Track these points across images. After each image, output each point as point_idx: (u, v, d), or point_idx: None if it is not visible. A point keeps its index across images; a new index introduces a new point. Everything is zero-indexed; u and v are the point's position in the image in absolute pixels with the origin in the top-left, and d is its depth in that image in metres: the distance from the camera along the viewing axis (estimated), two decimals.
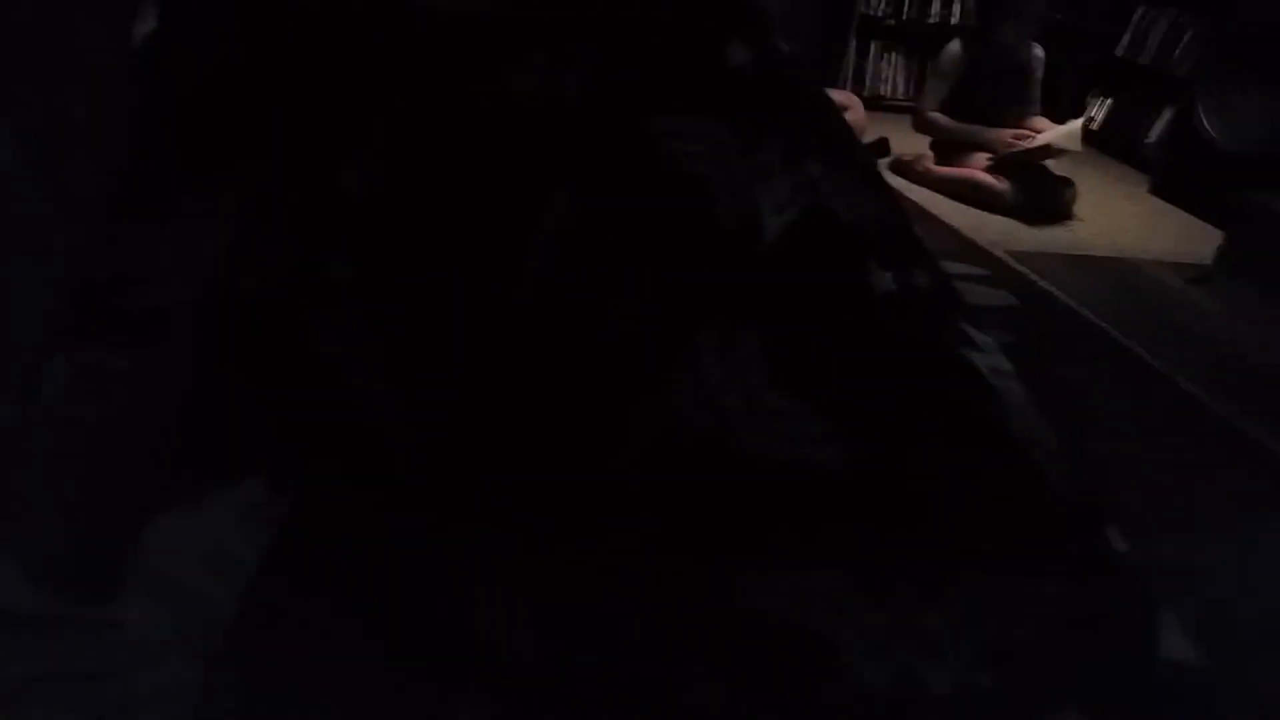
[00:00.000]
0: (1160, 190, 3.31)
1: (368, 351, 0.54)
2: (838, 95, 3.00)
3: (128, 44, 1.40)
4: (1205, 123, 3.10)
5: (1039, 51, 3.04)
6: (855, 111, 2.96)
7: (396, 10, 0.60)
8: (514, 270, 0.51)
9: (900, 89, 4.08)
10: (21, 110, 1.16)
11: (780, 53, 0.60)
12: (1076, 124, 2.87)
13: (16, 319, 1.12)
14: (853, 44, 3.94)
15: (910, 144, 3.27)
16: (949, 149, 3.17)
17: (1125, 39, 3.58)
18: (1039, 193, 2.91)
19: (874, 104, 3.85)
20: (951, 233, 2.69)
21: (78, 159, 1.31)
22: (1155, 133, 3.56)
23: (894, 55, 4.07)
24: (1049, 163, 2.97)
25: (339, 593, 0.57)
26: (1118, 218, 3.02)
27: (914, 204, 2.94)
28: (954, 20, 3.90)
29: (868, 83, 4.05)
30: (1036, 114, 3.06)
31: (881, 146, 3.15)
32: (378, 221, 0.55)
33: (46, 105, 1.20)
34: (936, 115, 3.17)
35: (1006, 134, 3.00)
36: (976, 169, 3.04)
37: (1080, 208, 2.97)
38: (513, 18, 0.55)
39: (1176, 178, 3.23)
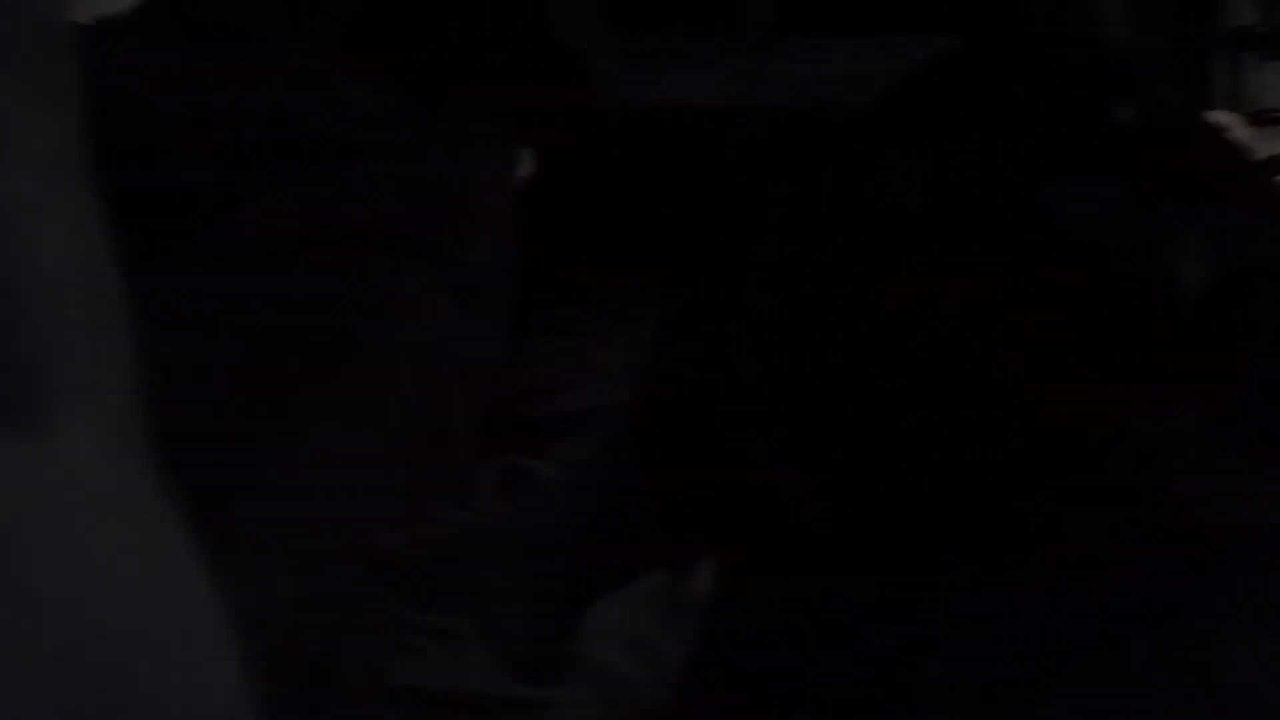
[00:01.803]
0: None
1: (776, 443, 0.58)
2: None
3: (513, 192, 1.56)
4: None
5: None
6: (1233, 135, 2.69)
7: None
8: (917, 356, 0.52)
9: None
10: (447, 255, 1.34)
11: (1165, 101, 0.57)
12: None
13: (454, 433, 1.29)
14: (1220, 61, 3.59)
15: None
16: None
17: None
18: None
19: (1259, 119, 3.47)
20: None
21: (494, 291, 1.49)
22: None
23: (1276, 63, 3.66)
24: None
25: (778, 661, 0.61)
26: None
27: None
28: None
29: (1245, 99, 3.66)
30: None
31: (1274, 168, 2.83)
32: (778, 325, 0.59)
33: (465, 250, 1.38)
34: None
35: None
36: None
37: None
38: (881, 110, 0.57)
39: None
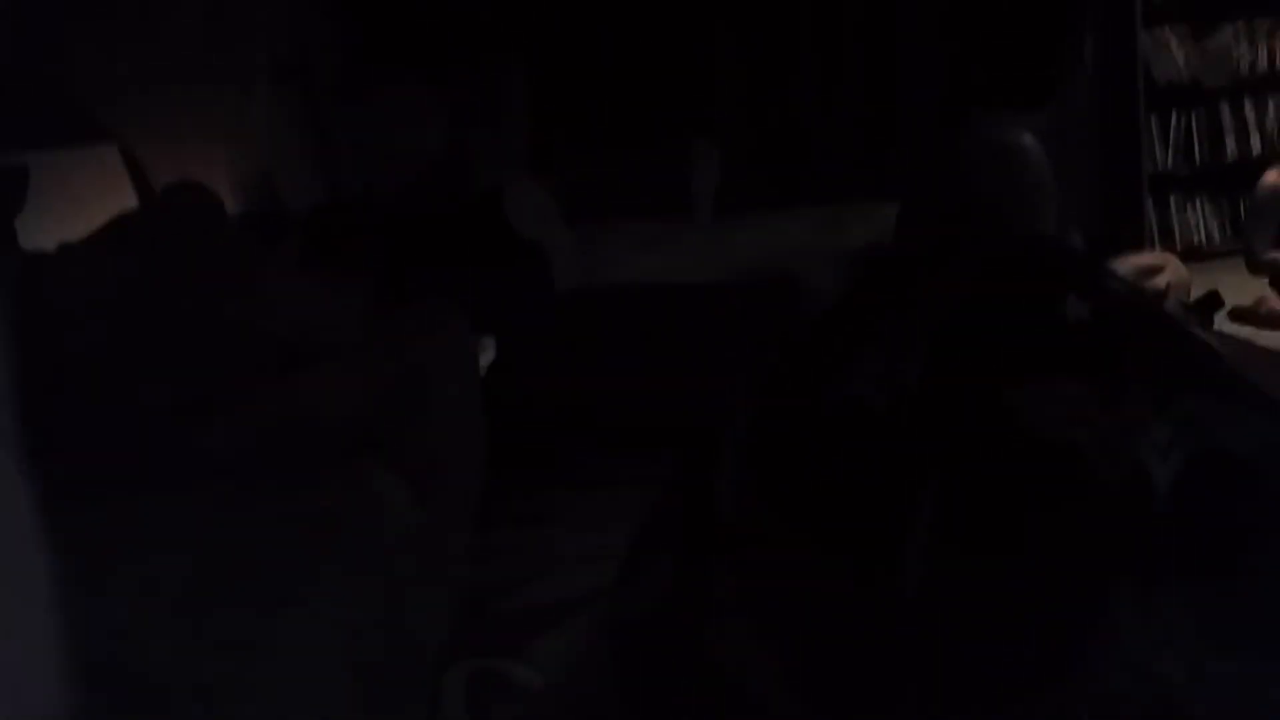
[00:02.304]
0: None
1: (762, 658, 0.56)
2: (1150, 257, 2.85)
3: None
4: None
5: None
6: (1173, 270, 2.79)
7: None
8: (895, 564, 0.52)
9: (1215, 236, 3.81)
10: (412, 456, 1.32)
11: (1116, 291, 0.59)
12: None
13: (419, 638, 1.24)
14: (1149, 202, 3.77)
15: (1242, 289, 3.02)
16: None
17: None
18: None
19: (1190, 256, 3.62)
20: None
21: (459, 486, 1.47)
22: None
23: (1199, 202, 3.84)
24: None
25: None
26: None
27: (1271, 349, 2.68)
28: (1255, 152, 3.65)
29: (1178, 236, 3.83)
30: None
31: (1213, 301, 2.93)
32: (753, 537, 0.58)
33: (430, 449, 1.36)
34: (1271, 253, 2.94)
35: None
36: None
37: None
38: (847, 319, 0.59)
39: None
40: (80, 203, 2.87)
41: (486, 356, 2.16)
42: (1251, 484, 0.55)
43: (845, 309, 0.64)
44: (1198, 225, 3.69)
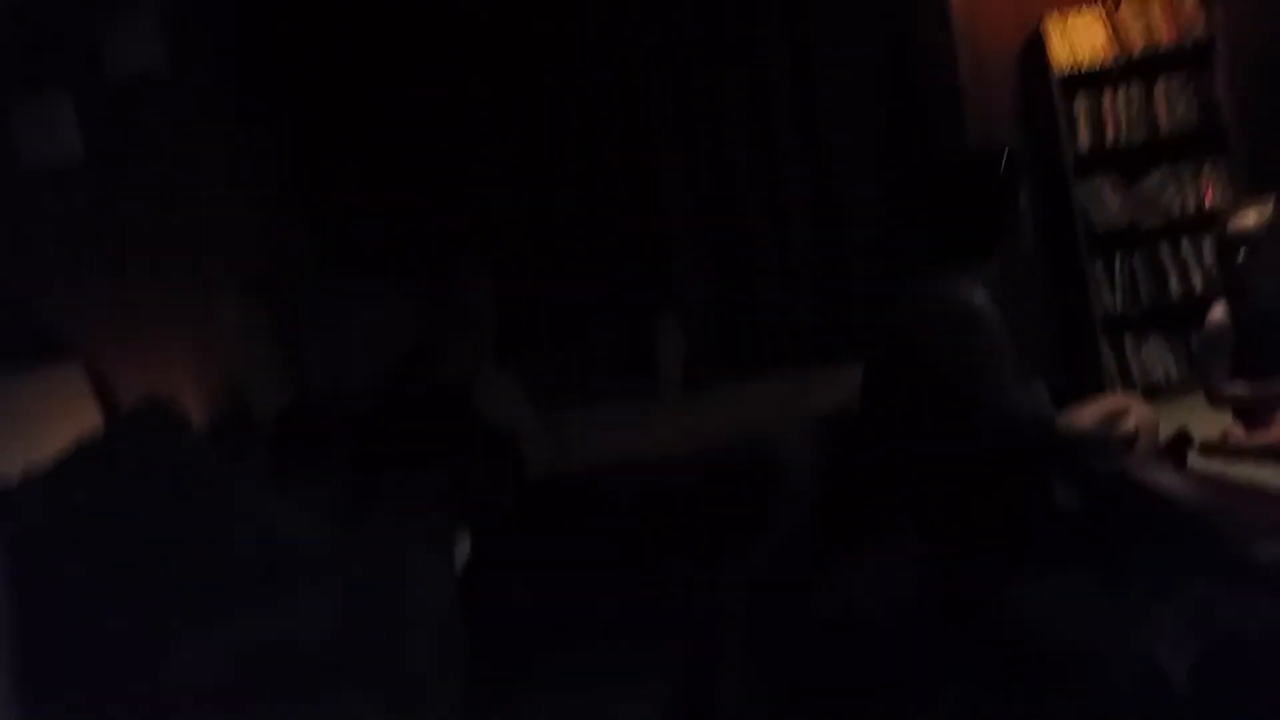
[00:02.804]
0: None
1: None
2: (1115, 401, 2.89)
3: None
4: None
5: None
6: (1139, 412, 2.82)
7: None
8: None
9: (1173, 372, 3.89)
10: (387, 675, 1.26)
11: (1099, 476, 0.59)
12: None
13: None
14: (1104, 344, 3.85)
15: (1208, 422, 3.06)
16: (1256, 413, 2.94)
17: None
18: None
19: (1151, 394, 3.68)
20: None
21: (440, 701, 1.41)
22: None
23: (1152, 340, 3.93)
24: None
25: None
26: None
27: (1245, 483, 2.69)
28: (1198, 291, 3.77)
29: (1137, 376, 3.90)
30: None
31: (1184, 440, 2.95)
32: None
33: (407, 664, 1.31)
34: (1229, 386, 2.98)
35: None
36: None
37: None
38: (835, 519, 0.58)
39: None
40: (44, 422, 2.85)
41: (462, 551, 2.12)
42: (1269, 669, 0.54)
43: (832, 507, 0.63)
44: (1154, 364, 3.77)
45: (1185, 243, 3.80)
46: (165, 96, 3.45)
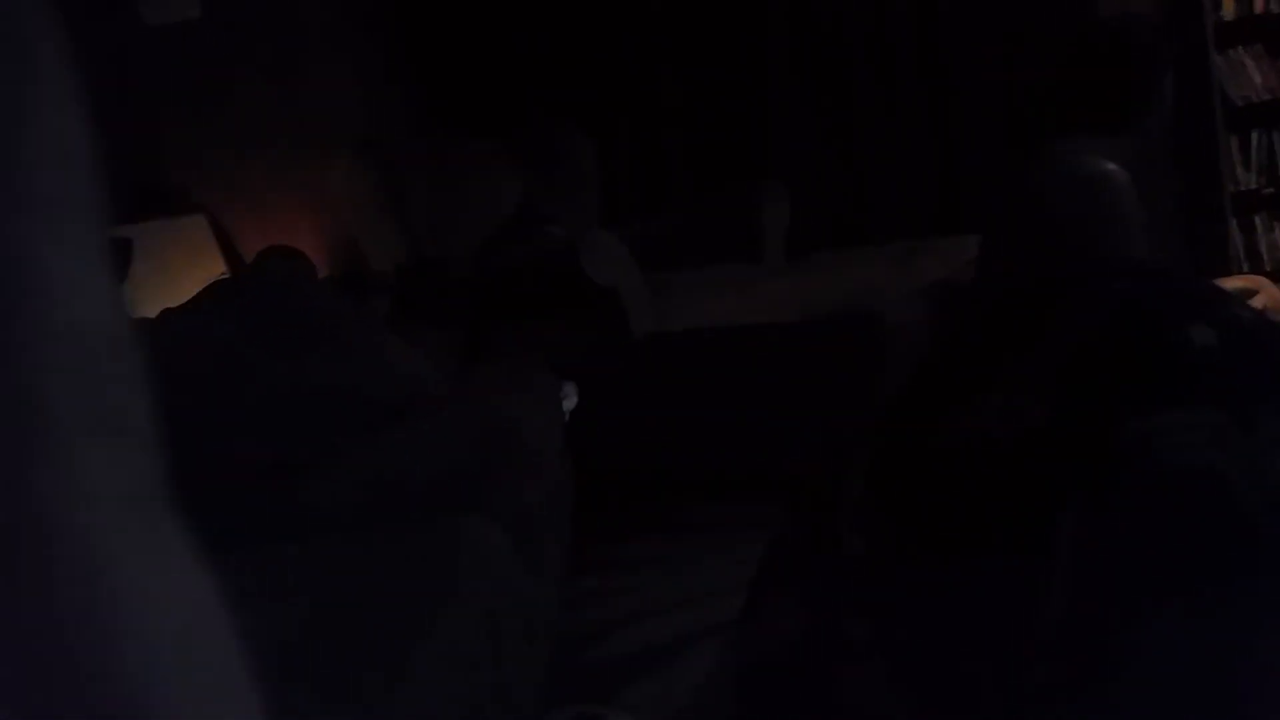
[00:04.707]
0: None
1: (902, 703, 0.55)
2: (1242, 281, 2.77)
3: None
4: None
5: None
6: (1268, 293, 2.70)
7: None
8: (1035, 599, 0.50)
9: None
10: (505, 507, 1.33)
11: (1239, 318, 0.58)
12: None
13: (519, 691, 1.24)
14: (1233, 224, 3.67)
15: None
16: None
17: None
18: None
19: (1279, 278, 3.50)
20: None
21: (550, 536, 1.47)
22: None
23: None
24: None
25: None
26: None
27: None
28: None
29: (1266, 258, 3.72)
30: None
31: None
32: (882, 575, 0.58)
33: (521, 499, 1.37)
34: None
35: None
36: None
37: None
38: (965, 354, 0.58)
39: None
40: (173, 269, 2.99)
41: (569, 403, 2.18)
42: None
43: (960, 344, 0.63)
44: None
45: None
46: None
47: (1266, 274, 3.48)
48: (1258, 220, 3.65)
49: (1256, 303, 2.63)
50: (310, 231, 3.40)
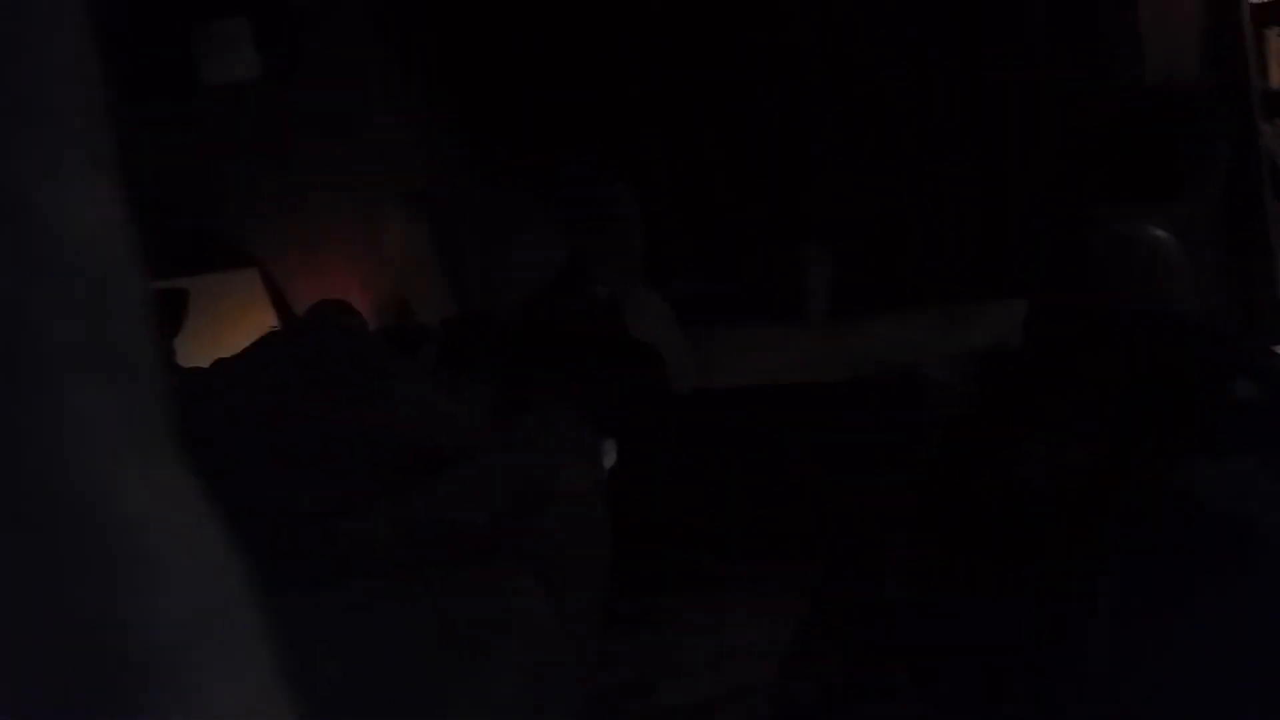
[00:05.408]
0: None
1: None
2: None
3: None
4: None
5: None
6: None
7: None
8: (1078, 646, 0.51)
9: None
10: (544, 559, 1.34)
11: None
12: None
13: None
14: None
15: None
16: None
17: None
18: None
19: None
20: None
21: (588, 590, 1.47)
22: None
23: None
24: None
25: None
26: None
27: None
28: None
29: None
30: None
31: None
32: (923, 620, 0.58)
33: (560, 552, 1.37)
34: None
35: None
36: None
37: None
38: (1006, 407, 0.59)
39: None
40: (225, 323, 3.06)
41: (609, 459, 2.19)
42: None
43: (1005, 396, 0.64)
44: None
45: None
46: (335, 19, 3.58)
47: None
48: None
49: None
50: (360, 285, 3.47)
